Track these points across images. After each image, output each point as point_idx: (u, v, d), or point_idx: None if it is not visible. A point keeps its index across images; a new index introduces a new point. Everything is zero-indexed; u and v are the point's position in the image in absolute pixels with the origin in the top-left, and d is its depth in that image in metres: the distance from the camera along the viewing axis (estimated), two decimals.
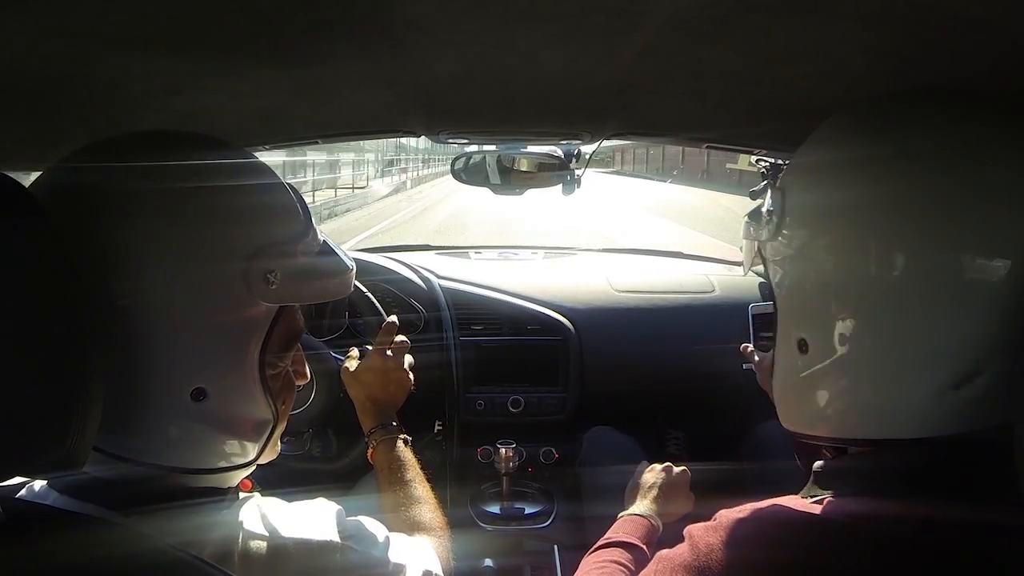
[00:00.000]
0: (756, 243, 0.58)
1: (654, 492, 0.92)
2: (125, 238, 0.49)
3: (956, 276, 0.46)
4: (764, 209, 0.56)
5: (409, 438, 0.87)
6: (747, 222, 0.59)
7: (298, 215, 0.57)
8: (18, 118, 0.65)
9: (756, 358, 0.99)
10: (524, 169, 1.33)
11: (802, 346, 0.53)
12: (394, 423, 0.88)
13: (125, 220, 0.49)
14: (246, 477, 0.59)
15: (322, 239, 0.59)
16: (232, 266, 0.51)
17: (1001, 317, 0.45)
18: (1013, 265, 0.46)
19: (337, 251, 0.60)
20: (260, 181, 0.56)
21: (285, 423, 0.60)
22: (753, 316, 1.05)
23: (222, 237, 0.52)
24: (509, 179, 1.34)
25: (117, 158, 0.52)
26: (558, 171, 1.28)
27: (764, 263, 0.58)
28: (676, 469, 0.96)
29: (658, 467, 0.97)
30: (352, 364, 0.91)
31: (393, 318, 0.95)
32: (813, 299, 0.52)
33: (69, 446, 0.40)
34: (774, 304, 0.57)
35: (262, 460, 0.59)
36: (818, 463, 0.57)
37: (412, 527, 0.74)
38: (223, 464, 0.55)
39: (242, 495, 0.57)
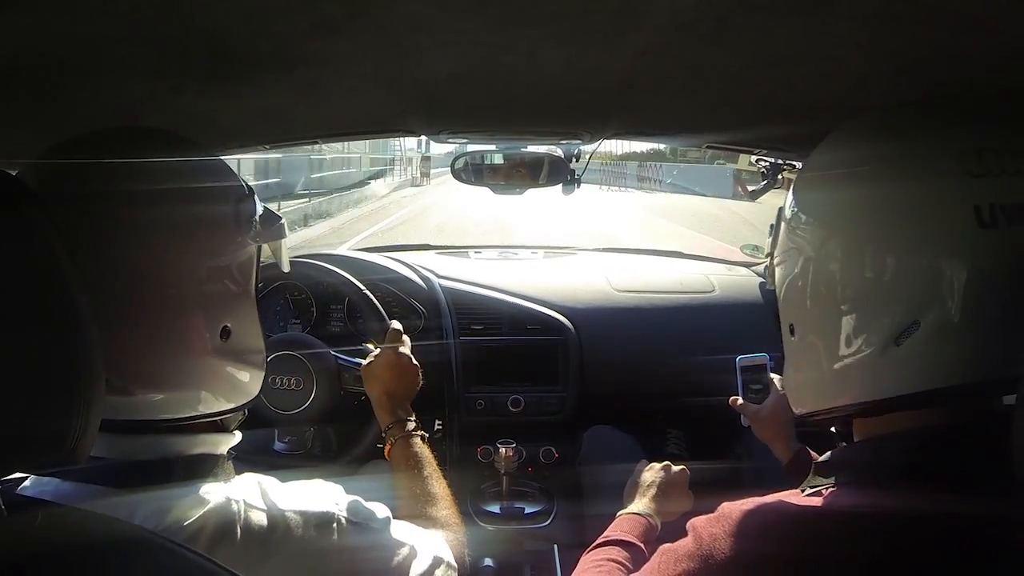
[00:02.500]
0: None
1: (653, 491, 0.92)
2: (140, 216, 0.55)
3: (897, 263, 0.53)
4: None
5: (426, 435, 0.89)
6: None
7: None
8: (20, 116, 0.65)
9: (749, 410, 1.01)
10: (523, 167, 1.33)
11: (792, 331, 0.63)
12: (411, 418, 0.90)
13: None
14: None
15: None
16: (230, 211, 0.61)
17: (930, 281, 0.51)
18: (943, 249, 0.51)
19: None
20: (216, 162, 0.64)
21: None
22: (741, 368, 1.05)
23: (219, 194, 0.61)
24: (509, 179, 1.34)
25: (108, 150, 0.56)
26: (559, 170, 1.28)
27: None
28: (675, 468, 0.96)
29: (657, 466, 0.97)
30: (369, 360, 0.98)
31: (397, 324, 1.02)
32: (789, 289, 0.62)
33: (71, 442, 0.40)
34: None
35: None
36: (824, 455, 0.59)
37: (429, 522, 0.75)
38: (243, 401, 0.63)
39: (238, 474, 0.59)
